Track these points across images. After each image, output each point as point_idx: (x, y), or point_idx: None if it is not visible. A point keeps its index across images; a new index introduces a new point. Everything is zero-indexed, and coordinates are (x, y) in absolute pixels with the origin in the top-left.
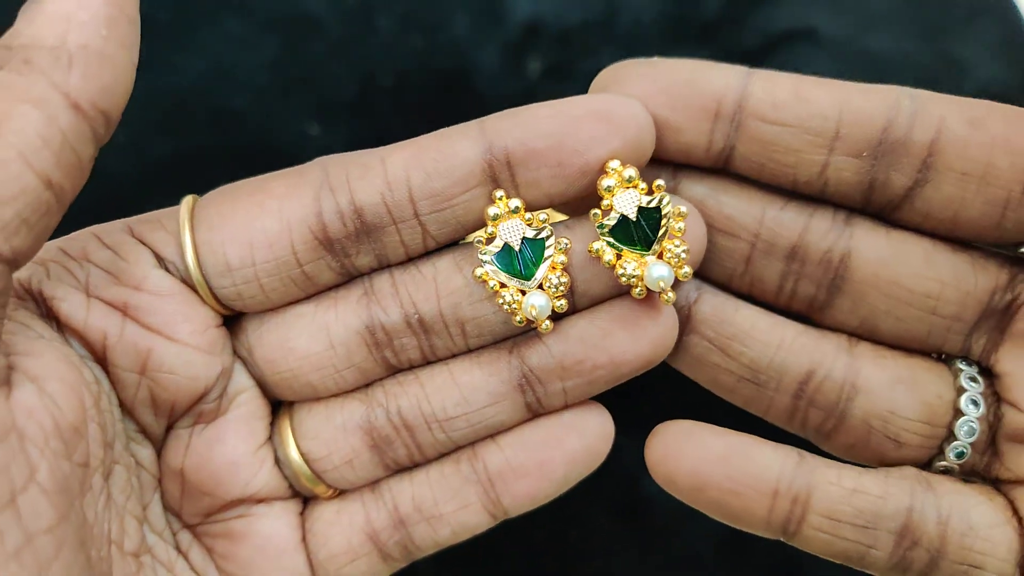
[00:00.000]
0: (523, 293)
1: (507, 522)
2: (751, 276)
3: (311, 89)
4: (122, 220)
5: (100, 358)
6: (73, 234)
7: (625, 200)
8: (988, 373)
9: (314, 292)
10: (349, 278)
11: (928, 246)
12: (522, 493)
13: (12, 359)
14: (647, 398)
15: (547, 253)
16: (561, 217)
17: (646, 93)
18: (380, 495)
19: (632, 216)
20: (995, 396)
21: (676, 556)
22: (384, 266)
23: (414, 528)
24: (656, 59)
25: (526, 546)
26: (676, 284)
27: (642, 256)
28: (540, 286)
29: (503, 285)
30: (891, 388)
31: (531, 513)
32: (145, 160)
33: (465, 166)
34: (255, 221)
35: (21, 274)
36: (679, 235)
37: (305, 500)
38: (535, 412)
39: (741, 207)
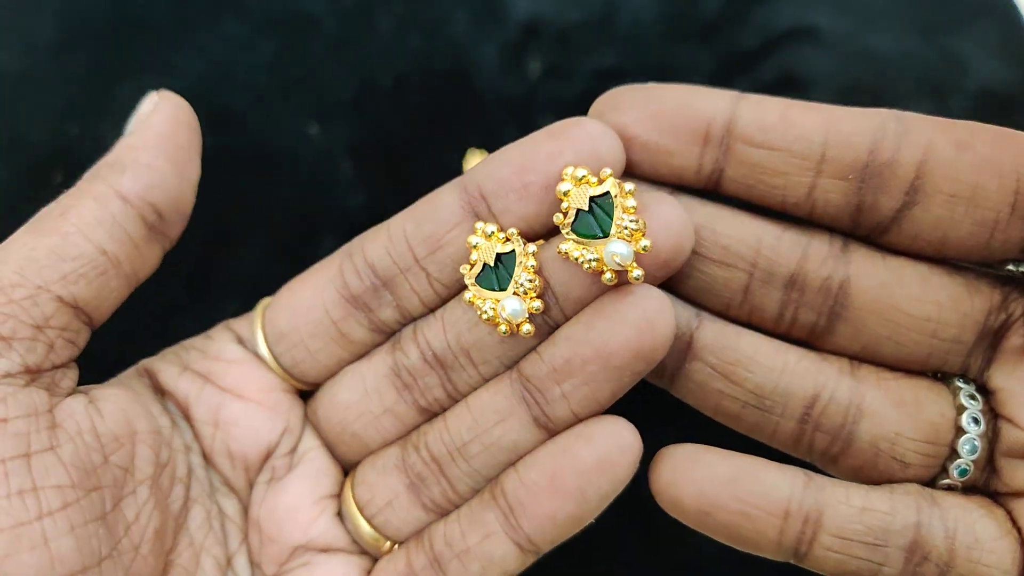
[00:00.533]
0: (497, 301)
1: None
2: (750, 305)
3: (310, 89)
4: (224, 322)
5: (186, 415)
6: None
7: (578, 196)
8: (983, 390)
9: (355, 354)
10: (383, 336)
11: (924, 270)
12: (540, 514)
13: (90, 393)
14: (654, 399)
15: (518, 261)
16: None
17: (638, 118)
18: (420, 540)
19: (586, 207)
20: (992, 412)
21: (683, 558)
22: (407, 318)
23: (448, 567)
24: (649, 85)
25: None
26: (644, 260)
27: (603, 240)
28: (513, 291)
29: (482, 299)
30: (896, 410)
31: None
32: None
33: (447, 208)
34: (296, 294)
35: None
36: (631, 211)
37: (375, 560)
38: (546, 428)
39: (737, 236)
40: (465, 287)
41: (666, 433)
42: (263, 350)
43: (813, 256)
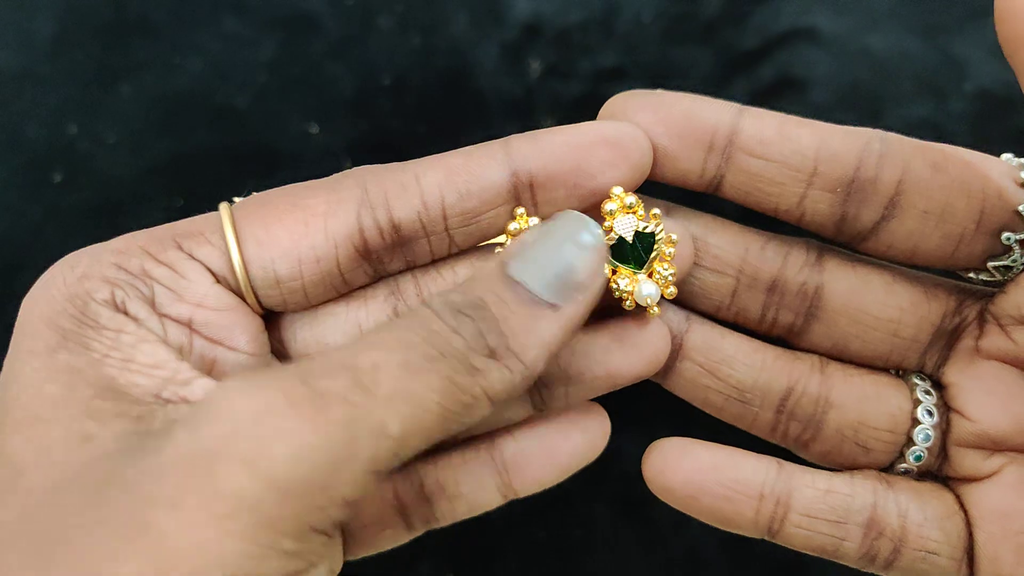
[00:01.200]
0: (635, 279)
1: (511, 521)
2: (736, 307)
3: (311, 88)
4: (165, 229)
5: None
6: (121, 246)
7: (624, 224)
8: (938, 385)
9: (345, 292)
10: (377, 279)
11: (889, 278)
12: (531, 478)
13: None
14: (647, 401)
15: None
16: None
17: (648, 122)
18: (408, 475)
19: (629, 239)
20: (945, 406)
21: (678, 554)
22: (411, 267)
23: (437, 503)
24: (658, 91)
25: (530, 545)
26: (662, 301)
27: (634, 274)
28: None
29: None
30: (860, 402)
31: (534, 513)
32: (144, 160)
33: (493, 188)
34: (303, 239)
35: (104, 293)
36: (668, 259)
37: None
38: (538, 408)
39: (727, 247)
40: (472, 249)
41: (660, 423)
42: (247, 292)
43: (792, 264)
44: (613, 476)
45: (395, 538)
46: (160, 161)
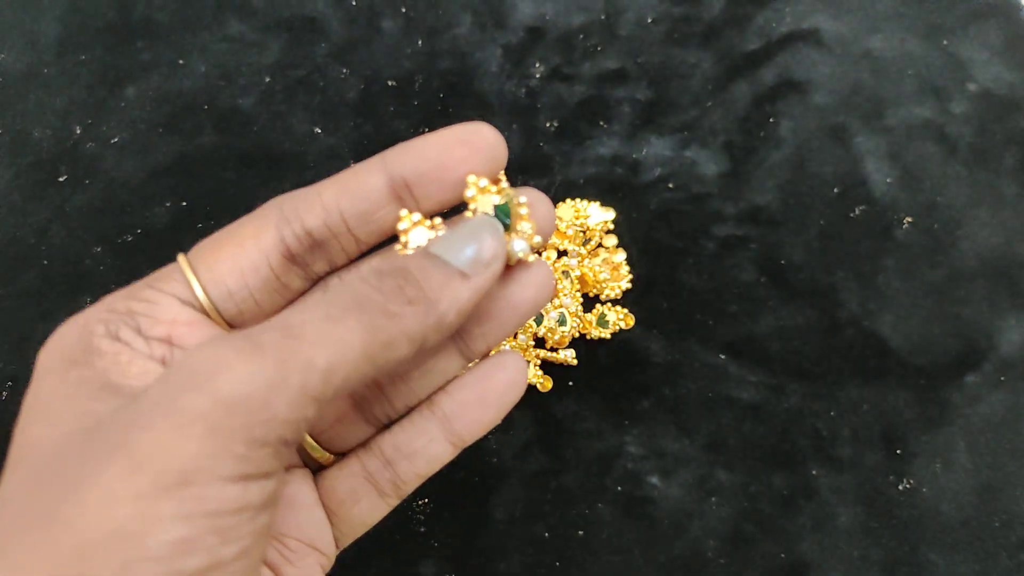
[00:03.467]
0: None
1: (512, 521)
2: None
3: (315, 90)
4: (141, 281)
5: None
6: (108, 299)
7: (484, 202)
8: None
9: (291, 299)
10: (311, 283)
11: None
12: (471, 420)
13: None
14: (648, 401)
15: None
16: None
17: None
18: (369, 448)
19: (491, 212)
20: None
21: (679, 554)
22: (334, 269)
23: (398, 465)
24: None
25: (530, 545)
26: (533, 248)
27: (506, 236)
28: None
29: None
30: None
31: (535, 513)
32: (150, 162)
33: (376, 191)
34: (241, 256)
35: (101, 329)
36: (525, 218)
37: (314, 472)
38: (467, 357)
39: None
40: (380, 245)
41: (661, 423)
42: (210, 308)
43: None
44: (615, 476)
45: (374, 508)
46: (165, 162)
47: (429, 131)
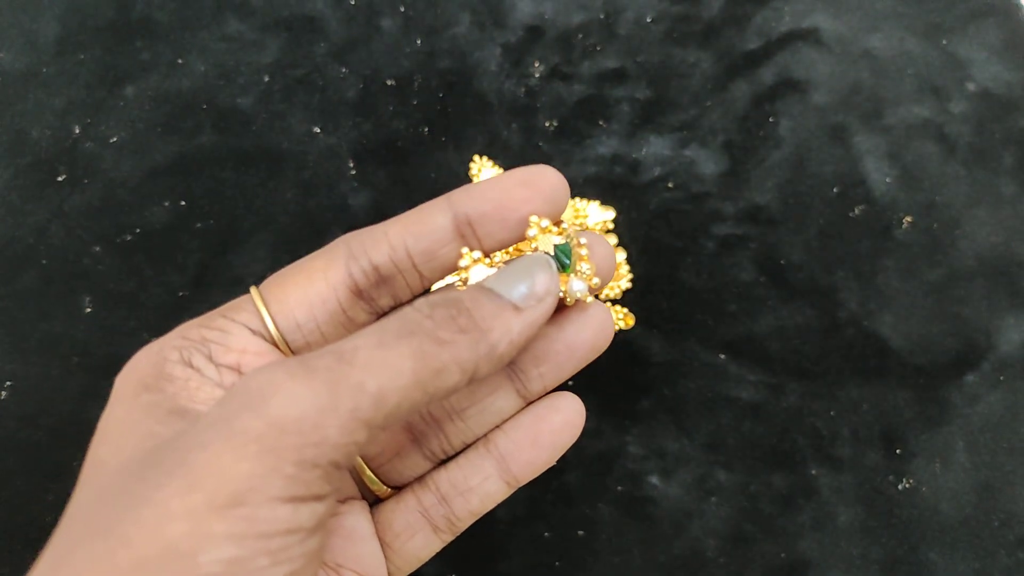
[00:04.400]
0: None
1: (513, 521)
2: None
3: (314, 90)
4: (215, 311)
5: None
6: (183, 327)
7: (545, 242)
8: None
9: (355, 331)
10: (376, 317)
11: None
12: (525, 461)
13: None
14: (648, 401)
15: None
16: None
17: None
18: (425, 484)
19: (551, 252)
20: None
21: (679, 554)
22: (398, 304)
23: (452, 502)
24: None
25: (531, 544)
26: (592, 290)
27: (564, 277)
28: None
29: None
30: None
31: (537, 512)
32: (149, 161)
33: (441, 229)
34: (311, 289)
35: (175, 355)
36: (585, 259)
37: (372, 504)
38: (524, 398)
39: None
40: (438, 280)
41: (661, 424)
42: (279, 339)
43: None
44: (615, 476)
45: (428, 544)
46: (164, 162)
47: (429, 131)
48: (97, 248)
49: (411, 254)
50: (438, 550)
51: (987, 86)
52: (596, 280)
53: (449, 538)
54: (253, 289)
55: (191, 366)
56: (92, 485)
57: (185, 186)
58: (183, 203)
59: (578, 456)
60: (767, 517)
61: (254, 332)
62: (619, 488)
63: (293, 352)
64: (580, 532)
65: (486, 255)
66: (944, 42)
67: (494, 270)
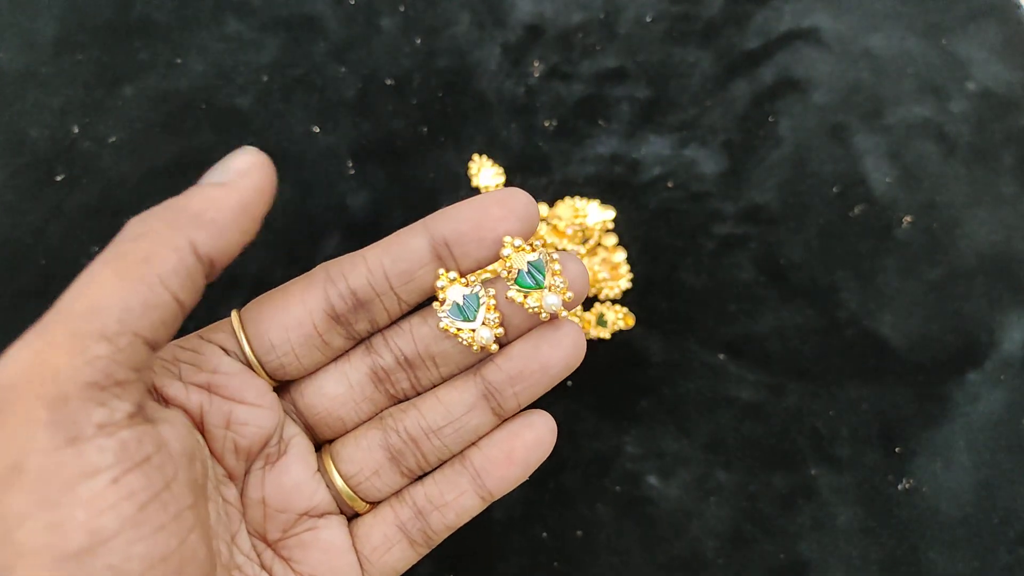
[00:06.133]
0: (473, 331)
1: (512, 522)
2: None
3: (313, 89)
4: (196, 332)
5: (198, 424)
6: (167, 346)
7: (519, 260)
8: None
9: (332, 356)
10: (354, 343)
11: None
12: (499, 476)
13: (150, 413)
14: (648, 401)
15: (481, 301)
16: (487, 275)
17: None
18: (402, 498)
19: (526, 269)
20: None
21: (678, 554)
22: (376, 329)
23: (429, 516)
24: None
25: (529, 545)
26: (566, 304)
27: (539, 293)
28: (483, 323)
29: (459, 329)
30: None
31: (536, 513)
32: (147, 161)
33: (418, 251)
34: (287, 313)
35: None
36: (558, 273)
37: (350, 519)
38: (499, 415)
39: None
40: (423, 304)
41: (661, 424)
42: (253, 360)
43: None
44: (614, 476)
45: (404, 557)
46: (162, 162)
47: (428, 131)
48: (95, 248)
49: (388, 276)
50: (414, 563)
51: (987, 86)
52: (570, 294)
53: (425, 551)
54: (234, 312)
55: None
56: None
57: (184, 186)
58: None
59: (576, 456)
60: (767, 517)
61: (227, 352)
62: (618, 488)
63: (268, 373)
64: (578, 533)
65: (462, 275)
66: (944, 42)
67: (469, 290)
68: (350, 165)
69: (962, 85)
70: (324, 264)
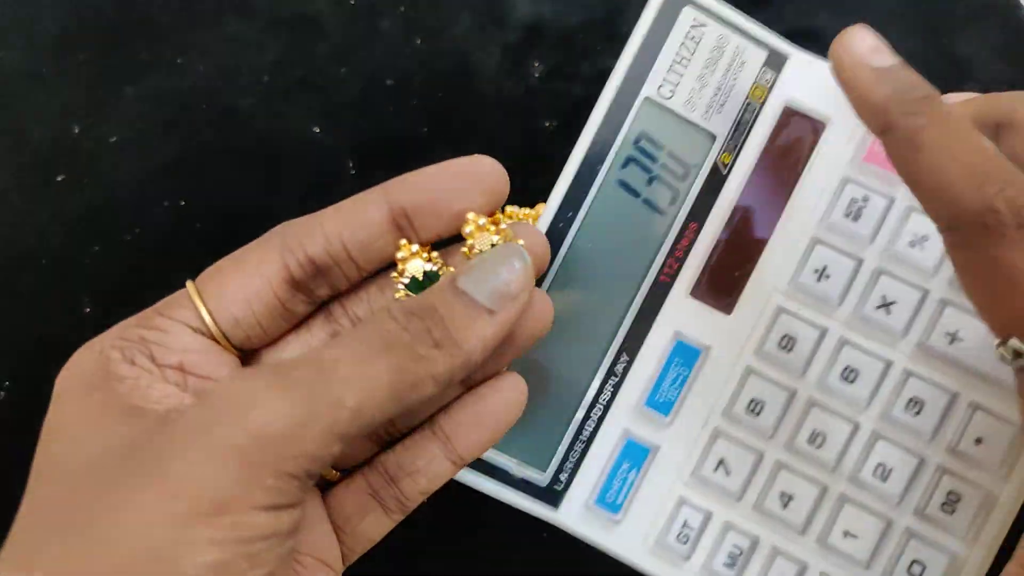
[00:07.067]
0: None
1: (514, 521)
2: None
3: (314, 90)
4: (151, 308)
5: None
6: (119, 327)
7: (482, 240)
8: None
9: (295, 323)
10: (315, 307)
11: None
12: (470, 442)
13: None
14: None
15: (440, 277)
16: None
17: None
18: (374, 466)
19: (488, 248)
20: None
21: None
22: (336, 293)
23: (401, 483)
24: None
25: (530, 545)
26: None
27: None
28: None
29: None
30: None
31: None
32: (148, 161)
33: (376, 221)
34: (247, 284)
35: (118, 355)
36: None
37: (322, 490)
38: (466, 384)
39: None
40: (381, 271)
41: None
42: (218, 335)
43: None
44: None
45: (377, 525)
46: (164, 162)
47: (428, 131)
48: (97, 248)
49: (346, 245)
50: (389, 530)
51: (988, 85)
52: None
53: (400, 517)
54: (189, 284)
55: (136, 364)
56: (54, 482)
57: (185, 186)
58: (183, 203)
59: None
60: None
61: (195, 330)
62: None
63: (234, 346)
64: None
65: (424, 247)
66: (944, 41)
67: (430, 265)
68: (350, 165)
69: (963, 85)
70: (278, 229)
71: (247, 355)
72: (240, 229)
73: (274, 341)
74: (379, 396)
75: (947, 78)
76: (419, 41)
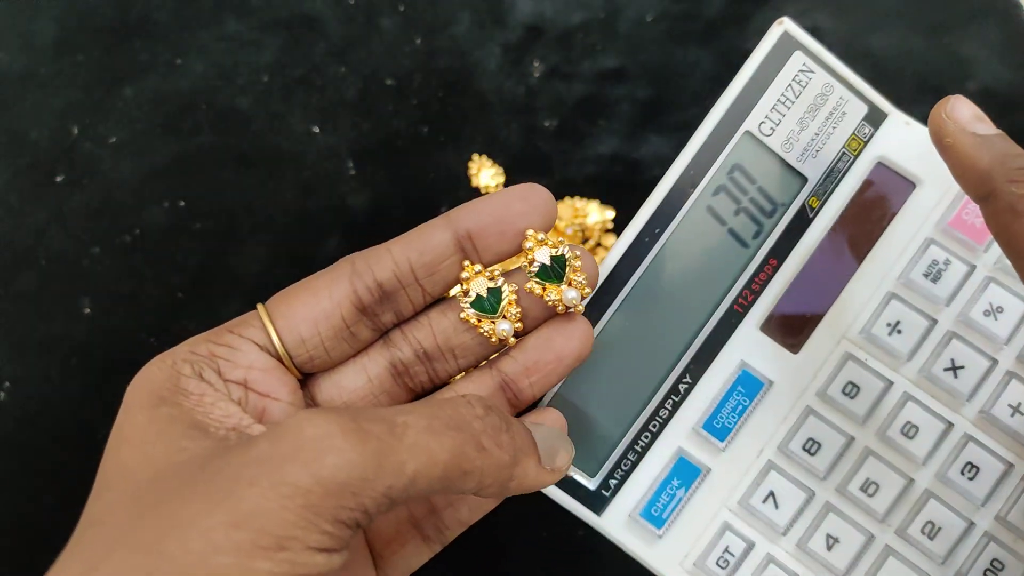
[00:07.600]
0: (493, 323)
1: (514, 521)
2: None
3: (313, 89)
4: (222, 326)
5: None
6: (191, 342)
7: (542, 254)
8: None
9: (358, 349)
10: (379, 335)
11: None
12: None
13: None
14: None
15: (503, 295)
16: (510, 267)
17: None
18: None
19: (547, 262)
20: None
21: None
22: (401, 320)
23: (442, 512)
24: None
25: (531, 546)
26: (583, 300)
27: (558, 286)
28: (503, 316)
29: (480, 321)
30: None
31: (537, 513)
32: (148, 162)
33: (442, 244)
34: (315, 306)
35: (188, 369)
36: (578, 270)
37: None
38: (515, 407)
39: None
40: (444, 297)
41: None
42: (283, 355)
43: None
44: None
45: (418, 553)
46: (163, 162)
47: (428, 131)
48: (96, 249)
49: (414, 268)
50: (427, 559)
51: (988, 85)
52: (588, 290)
53: (438, 548)
54: (260, 306)
55: (204, 380)
56: (120, 490)
57: (184, 186)
58: (182, 203)
59: None
60: None
61: (261, 348)
62: None
63: (296, 367)
64: (580, 532)
65: (486, 267)
66: (945, 41)
67: (493, 283)
68: (350, 165)
69: (963, 85)
70: (349, 257)
71: (306, 378)
72: (239, 229)
73: (334, 366)
74: (434, 472)
75: (947, 78)
76: (419, 40)
